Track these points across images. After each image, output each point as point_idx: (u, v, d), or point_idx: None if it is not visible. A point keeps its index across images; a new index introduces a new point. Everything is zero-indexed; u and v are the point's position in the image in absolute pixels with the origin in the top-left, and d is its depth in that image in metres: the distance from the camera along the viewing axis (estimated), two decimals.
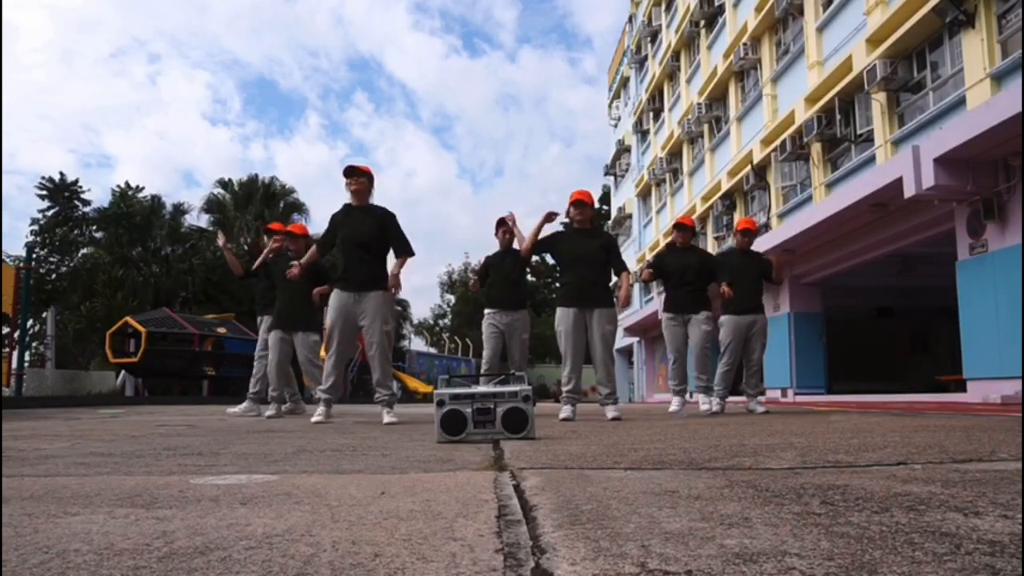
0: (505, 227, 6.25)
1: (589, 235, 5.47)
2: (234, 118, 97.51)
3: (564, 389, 5.42)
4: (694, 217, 20.91)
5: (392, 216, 5.12)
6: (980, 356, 9.36)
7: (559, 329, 5.36)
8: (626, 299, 5.40)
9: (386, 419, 4.94)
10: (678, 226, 6.56)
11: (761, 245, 14.33)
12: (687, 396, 6.57)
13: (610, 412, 5.26)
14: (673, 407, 6.29)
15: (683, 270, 6.33)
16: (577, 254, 5.34)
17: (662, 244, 24.44)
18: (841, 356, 16.75)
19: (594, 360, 5.38)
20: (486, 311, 6.31)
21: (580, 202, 5.38)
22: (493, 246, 6.42)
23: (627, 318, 25.83)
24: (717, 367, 6.58)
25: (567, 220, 5.64)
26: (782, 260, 7.09)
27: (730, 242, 7.67)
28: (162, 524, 1.20)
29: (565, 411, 5.28)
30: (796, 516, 1.18)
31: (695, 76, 21.84)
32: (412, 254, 5.14)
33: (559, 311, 5.39)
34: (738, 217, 18.29)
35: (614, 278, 5.62)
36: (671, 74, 24.28)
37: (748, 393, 6.67)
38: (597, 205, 47.37)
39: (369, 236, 5.02)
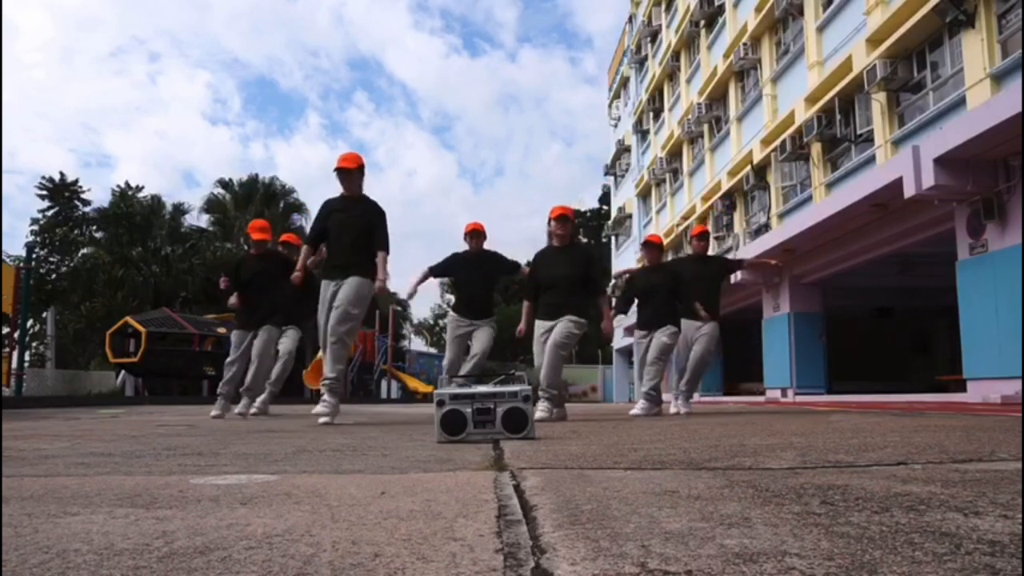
0: (477, 235, 6.26)
1: (568, 252, 5.52)
2: (234, 118, 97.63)
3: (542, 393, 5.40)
4: (694, 217, 20.94)
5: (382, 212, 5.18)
6: (980, 356, 9.36)
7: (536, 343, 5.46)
8: (608, 330, 5.63)
9: (317, 408, 4.82)
10: (646, 244, 6.72)
11: (761, 245, 14.40)
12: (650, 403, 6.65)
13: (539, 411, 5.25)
14: (637, 409, 6.45)
15: (648, 293, 6.48)
16: (555, 273, 5.41)
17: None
18: (841, 356, 16.76)
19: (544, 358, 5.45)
20: (451, 315, 6.34)
21: (563, 217, 5.44)
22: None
23: (627, 318, 25.77)
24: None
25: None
26: (771, 264, 7.20)
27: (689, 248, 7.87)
28: (162, 524, 1.20)
29: (542, 410, 5.26)
30: (796, 516, 1.18)
31: (695, 76, 21.84)
32: (386, 250, 5.10)
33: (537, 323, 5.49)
34: (738, 217, 18.30)
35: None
36: (671, 74, 24.28)
37: (674, 393, 6.91)
38: (597, 205, 47.50)
39: (360, 226, 5.03)
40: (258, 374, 6.52)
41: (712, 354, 6.91)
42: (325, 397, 4.87)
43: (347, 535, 1.10)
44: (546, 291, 5.47)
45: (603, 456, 2.28)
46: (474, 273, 6.21)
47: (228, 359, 6.69)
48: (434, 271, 6.41)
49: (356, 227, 5.03)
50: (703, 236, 7.17)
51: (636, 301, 6.77)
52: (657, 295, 6.43)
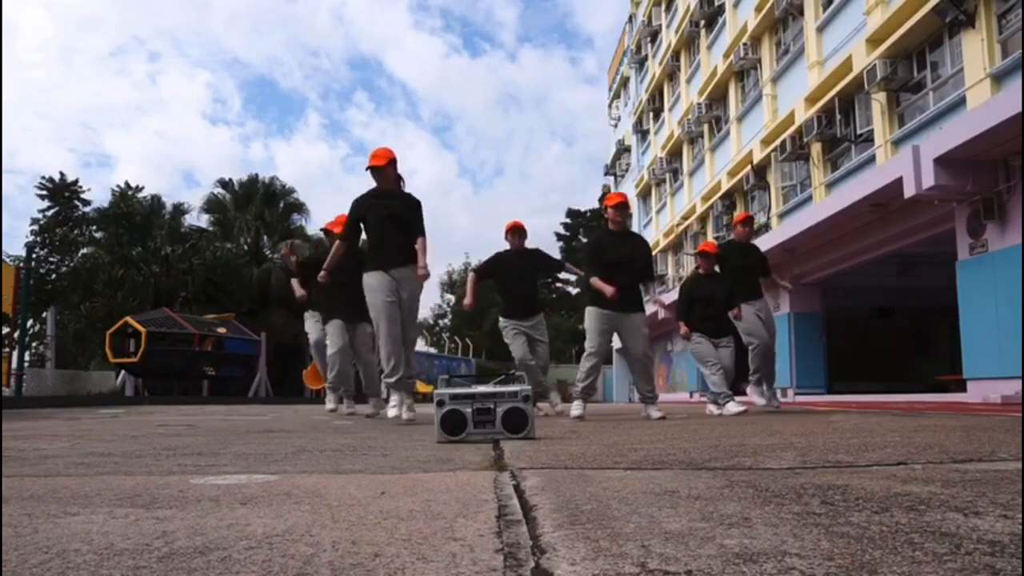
0: (518, 233, 6.28)
1: (626, 238, 5.52)
2: (234, 117, 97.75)
3: (581, 386, 5.44)
4: (694, 217, 20.94)
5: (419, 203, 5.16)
6: (980, 356, 9.36)
7: (590, 329, 5.40)
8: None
9: (405, 415, 4.81)
10: (703, 254, 6.53)
11: (762, 245, 14.37)
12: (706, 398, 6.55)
13: (654, 412, 5.28)
14: (735, 408, 6.09)
15: (708, 300, 6.30)
16: (625, 255, 5.36)
17: (663, 244, 24.44)
18: (841, 356, 16.75)
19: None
20: (503, 320, 6.34)
21: (623, 204, 5.44)
22: (492, 246, 6.43)
23: None
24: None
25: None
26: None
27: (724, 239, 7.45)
28: (162, 524, 1.20)
29: (577, 408, 5.33)
30: (796, 516, 1.18)
31: (695, 76, 21.84)
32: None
33: (595, 312, 5.39)
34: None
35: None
36: (671, 74, 24.29)
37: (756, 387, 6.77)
38: (597, 205, 47.51)
39: (403, 217, 5.02)
40: (372, 373, 6.30)
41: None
42: (407, 400, 4.93)
43: (347, 535, 1.10)
44: (617, 275, 5.31)
45: (603, 456, 2.28)
46: (517, 272, 6.22)
47: (331, 351, 6.28)
48: (480, 273, 6.40)
49: (399, 215, 5.02)
50: (747, 222, 6.86)
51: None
52: (714, 303, 6.27)
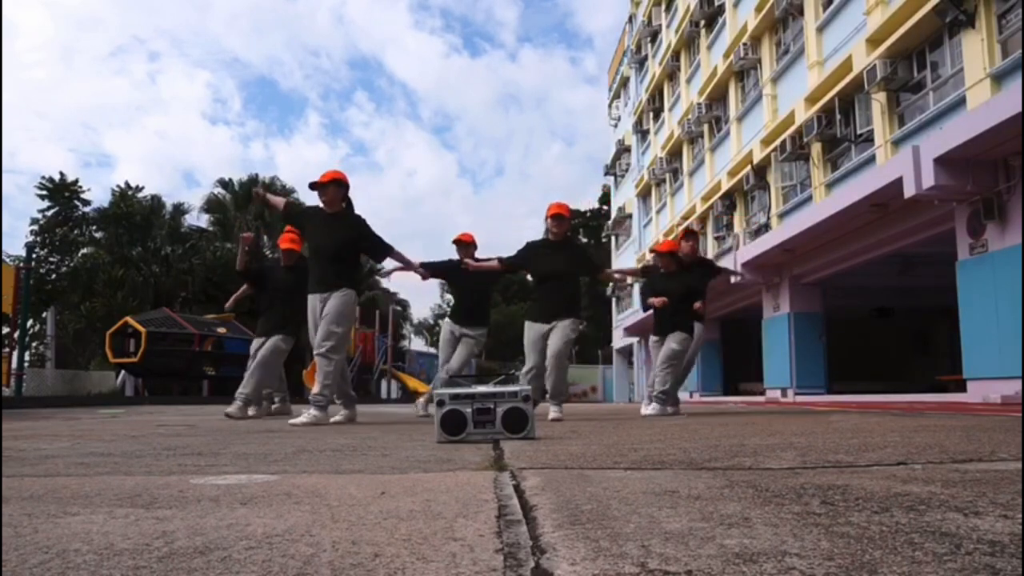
0: (463, 246, 6.36)
1: (565, 248, 5.57)
2: (234, 117, 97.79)
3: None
4: (694, 217, 20.92)
5: (364, 222, 5.21)
6: (980, 356, 9.35)
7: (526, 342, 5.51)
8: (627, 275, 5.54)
9: (301, 419, 4.82)
10: (657, 254, 6.69)
11: (761, 245, 14.42)
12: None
13: (552, 412, 5.27)
14: (649, 410, 6.39)
15: (666, 295, 6.40)
16: (551, 268, 5.44)
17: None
18: (841, 356, 16.75)
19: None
20: (447, 320, 6.47)
21: (559, 216, 5.46)
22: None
23: (627, 318, 25.76)
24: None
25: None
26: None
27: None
28: (162, 524, 1.20)
29: (554, 411, 5.31)
30: (796, 516, 1.18)
31: (695, 76, 21.84)
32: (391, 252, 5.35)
33: (527, 324, 5.54)
34: (738, 217, 18.27)
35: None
36: (671, 74, 24.28)
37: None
38: (597, 205, 47.52)
39: (339, 240, 5.07)
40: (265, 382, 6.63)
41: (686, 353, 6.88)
42: (311, 410, 4.89)
43: (347, 535, 1.10)
44: (540, 285, 5.54)
45: (603, 456, 2.28)
46: (464, 282, 6.29)
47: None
48: (429, 267, 6.40)
49: (335, 241, 5.05)
50: (690, 235, 7.02)
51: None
52: (670, 301, 6.36)
